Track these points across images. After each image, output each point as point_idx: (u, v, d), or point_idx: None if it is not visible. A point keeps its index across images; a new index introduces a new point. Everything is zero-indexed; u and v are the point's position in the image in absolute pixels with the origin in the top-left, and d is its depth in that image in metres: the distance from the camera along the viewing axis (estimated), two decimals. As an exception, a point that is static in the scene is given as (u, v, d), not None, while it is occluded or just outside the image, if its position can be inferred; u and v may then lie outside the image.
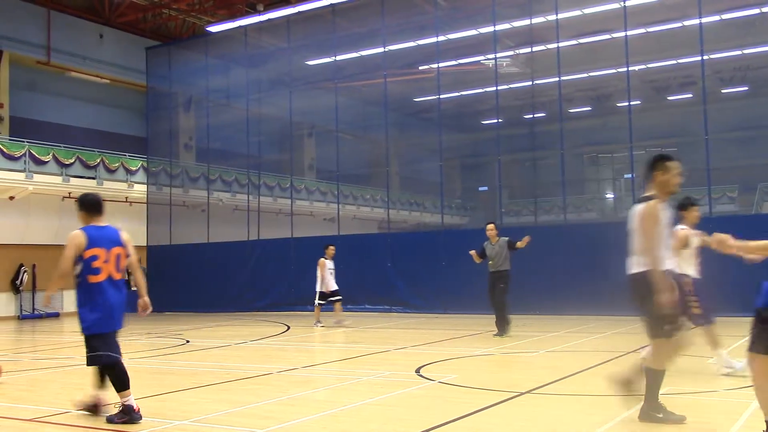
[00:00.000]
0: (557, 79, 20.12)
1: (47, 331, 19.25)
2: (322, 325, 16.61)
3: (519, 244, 13.02)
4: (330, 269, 17.03)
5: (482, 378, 8.72)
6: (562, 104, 20.64)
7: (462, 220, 39.60)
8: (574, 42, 24.52)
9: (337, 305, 17.13)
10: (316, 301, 17.02)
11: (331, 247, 17.27)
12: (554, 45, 20.21)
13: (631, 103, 19.83)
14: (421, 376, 8.81)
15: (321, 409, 6.88)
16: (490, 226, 13.43)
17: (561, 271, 18.41)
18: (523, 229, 23.68)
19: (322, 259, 17.02)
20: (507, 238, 13.33)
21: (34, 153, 23.92)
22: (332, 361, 10.71)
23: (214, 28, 25.94)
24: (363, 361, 10.54)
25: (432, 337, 14.05)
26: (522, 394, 7.40)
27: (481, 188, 40.24)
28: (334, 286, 17.02)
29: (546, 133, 27.01)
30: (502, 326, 13.17)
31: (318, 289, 16.94)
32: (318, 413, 6.69)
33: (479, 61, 26.40)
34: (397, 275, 20.95)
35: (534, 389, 7.65)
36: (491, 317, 17.88)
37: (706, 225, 18.59)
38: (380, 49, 22.65)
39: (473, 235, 22.61)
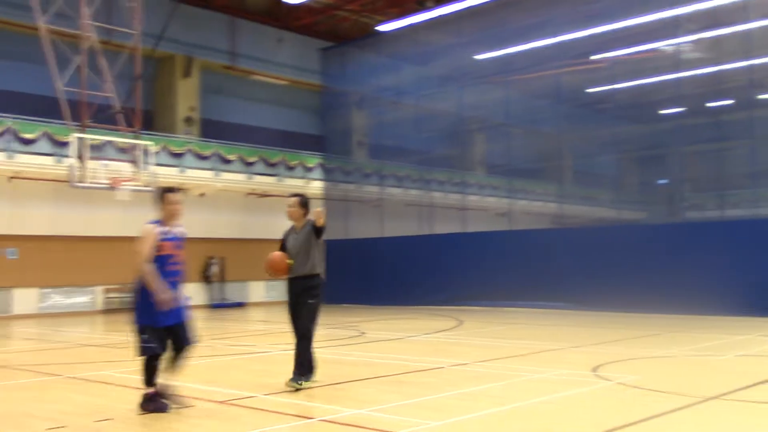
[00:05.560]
0: (747, 63, 18.74)
1: (235, 320, 20.55)
2: None
3: (316, 219, 8.04)
4: None
5: (664, 380, 8.32)
6: (752, 90, 19.21)
7: (639, 215, 37.86)
8: (766, 22, 22.72)
9: None
10: None
11: None
12: (742, 26, 18.83)
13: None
14: (597, 376, 8.55)
15: (494, 405, 6.85)
16: (292, 200, 8.32)
17: (750, 269, 17.15)
18: (707, 224, 22.35)
19: None
20: (314, 221, 8.14)
21: (221, 153, 25.62)
22: (505, 357, 10.63)
23: (384, 27, 26.50)
24: (537, 359, 10.38)
25: (608, 335, 13.58)
26: (708, 399, 6.99)
27: (660, 181, 38.26)
28: None
29: (733, 121, 25.23)
30: (301, 367, 7.96)
31: None
32: (491, 409, 6.68)
33: (658, 47, 25.10)
34: (571, 271, 20.40)
35: (722, 395, 7.20)
36: (673, 317, 17.04)
37: None
38: (551, 40, 22.15)
39: (652, 231, 21.61)
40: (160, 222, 6.87)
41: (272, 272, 8.00)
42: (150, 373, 6.76)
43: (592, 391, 7.58)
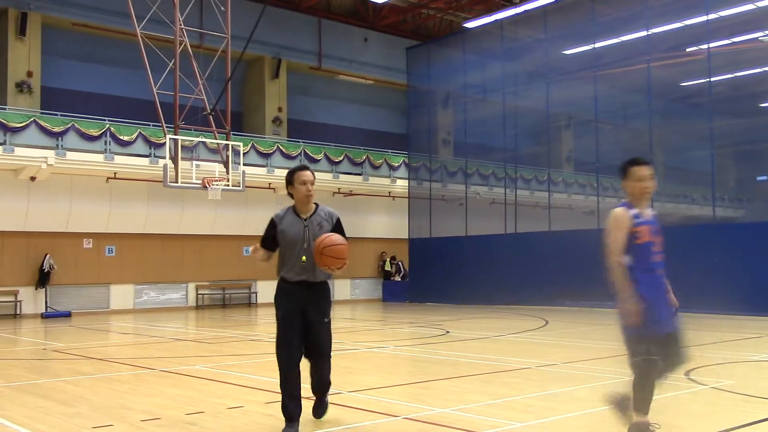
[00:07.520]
0: None
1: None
2: None
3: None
4: None
5: (762, 385, 7.96)
6: None
7: (736, 213, 36.37)
8: None
9: None
10: None
11: None
12: None
13: None
14: (690, 379, 8.25)
15: (582, 407, 6.71)
16: (312, 176, 5.90)
17: None
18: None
19: None
20: (337, 215, 6.06)
21: (308, 152, 26.01)
22: (592, 358, 10.39)
23: (470, 24, 26.35)
24: (624, 361, 10.08)
25: (702, 338, 13.07)
26: (811, 406, 6.65)
27: (759, 178, 36.67)
28: None
29: (840, 114, 23.91)
30: (320, 401, 6.47)
31: None
32: (579, 411, 6.54)
33: (757, 38, 24.04)
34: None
35: (826, 402, 6.83)
36: (772, 319, 16.24)
37: None
38: (643, 33, 21.53)
39: (750, 229, 20.71)
40: (628, 204, 5.34)
41: (335, 264, 5.63)
42: (648, 393, 5.39)
43: (684, 396, 7.32)
